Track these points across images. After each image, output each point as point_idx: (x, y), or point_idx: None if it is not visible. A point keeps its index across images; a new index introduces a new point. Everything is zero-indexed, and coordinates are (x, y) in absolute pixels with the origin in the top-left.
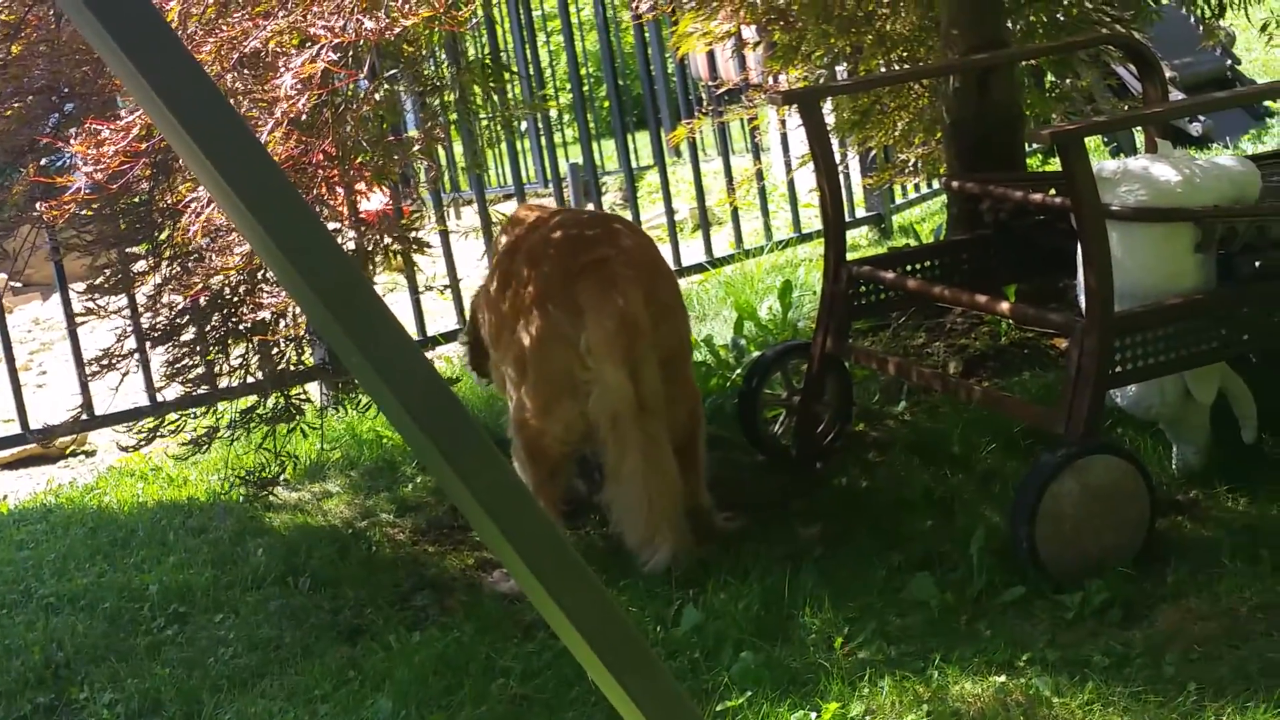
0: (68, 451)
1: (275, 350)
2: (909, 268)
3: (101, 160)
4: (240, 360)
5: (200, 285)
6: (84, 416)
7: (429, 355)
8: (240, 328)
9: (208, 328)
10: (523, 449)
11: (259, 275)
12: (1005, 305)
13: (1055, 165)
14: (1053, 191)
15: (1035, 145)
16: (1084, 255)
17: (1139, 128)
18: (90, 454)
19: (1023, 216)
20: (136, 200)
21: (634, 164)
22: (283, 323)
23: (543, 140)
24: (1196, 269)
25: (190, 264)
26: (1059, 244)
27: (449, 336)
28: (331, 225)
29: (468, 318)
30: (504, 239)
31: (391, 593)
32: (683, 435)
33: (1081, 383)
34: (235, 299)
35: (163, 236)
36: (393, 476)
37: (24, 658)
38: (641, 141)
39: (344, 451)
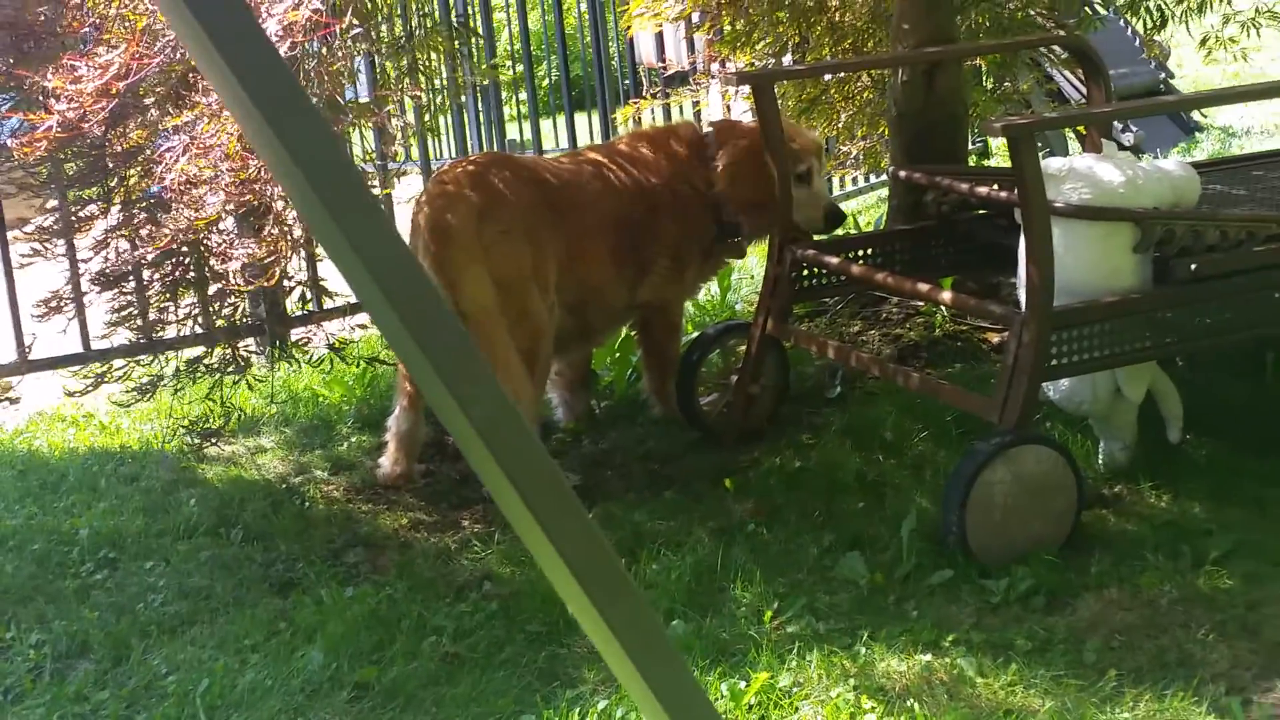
0: None
1: (229, 302)
2: (851, 254)
3: (76, 99)
4: (188, 310)
5: (169, 236)
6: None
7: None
8: (205, 276)
9: (166, 276)
10: None
11: (231, 227)
12: (948, 295)
13: (991, 163)
14: (996, 186)
15: (973, 145)
16: (1028, 249)
17: (1073, 131)
18: (14, 401)
19: (964, 210)
20: (90, 144)
21: (577, 143)
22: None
23: (482, 116)
24: (1134, 269)
25: (158, 213)
26: (997, 239)
27: None
28: None
29: None
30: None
31: (324, 548)
32: None
33: (1018, 373)
34: (203, 249)
35: (119, 182)
36: (328, 434)
37: None
38: (580, 122)
39: (279, 408)
